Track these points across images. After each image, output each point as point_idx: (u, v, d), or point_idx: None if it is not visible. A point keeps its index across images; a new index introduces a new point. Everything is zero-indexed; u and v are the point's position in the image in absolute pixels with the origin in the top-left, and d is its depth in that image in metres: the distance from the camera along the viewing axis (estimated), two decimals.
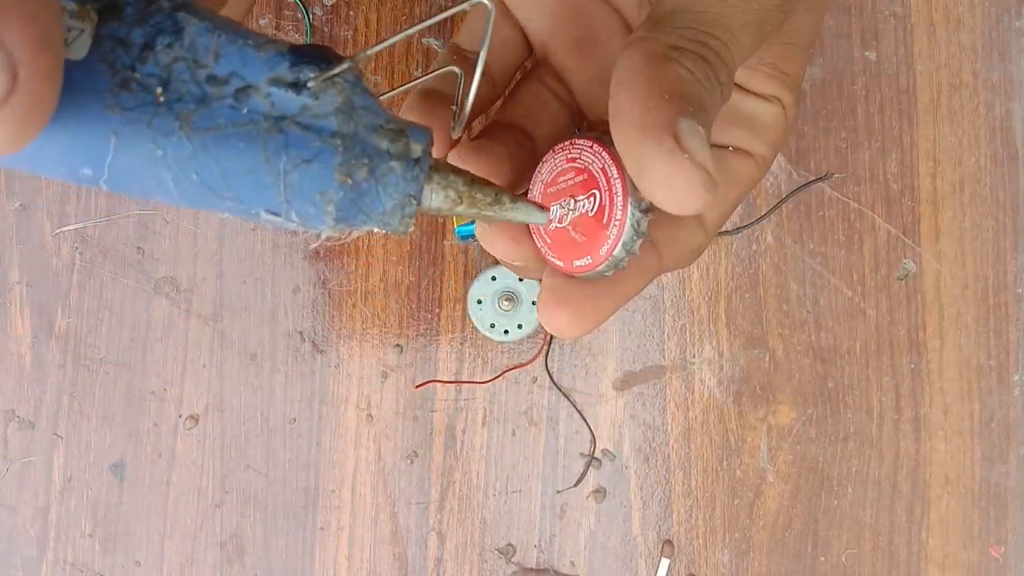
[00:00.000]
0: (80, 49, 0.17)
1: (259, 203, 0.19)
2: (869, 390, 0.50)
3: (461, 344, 0.51)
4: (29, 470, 0.53)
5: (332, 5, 0.52)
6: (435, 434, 0.52)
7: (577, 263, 0.23)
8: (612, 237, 0.22)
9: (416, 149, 0.20)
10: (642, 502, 0.51)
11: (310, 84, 0.19)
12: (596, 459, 0.51)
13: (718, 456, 0.51)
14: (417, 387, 0.52)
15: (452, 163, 0.21)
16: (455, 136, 0.24)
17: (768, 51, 0.25)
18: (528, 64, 0.30)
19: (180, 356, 0.53)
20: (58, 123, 0.17)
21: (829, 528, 0.50)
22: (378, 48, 0.21)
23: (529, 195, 0.25)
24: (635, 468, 0.51)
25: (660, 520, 0.51)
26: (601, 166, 0.23)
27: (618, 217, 0.22)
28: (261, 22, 0.52)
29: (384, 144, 0.19)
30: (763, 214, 0.50)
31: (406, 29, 0.21)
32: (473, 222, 0.48)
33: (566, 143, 0.24)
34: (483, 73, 0.25)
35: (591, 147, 0.23)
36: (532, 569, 0.51)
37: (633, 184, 0.22)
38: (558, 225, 0.24)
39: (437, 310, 0.51)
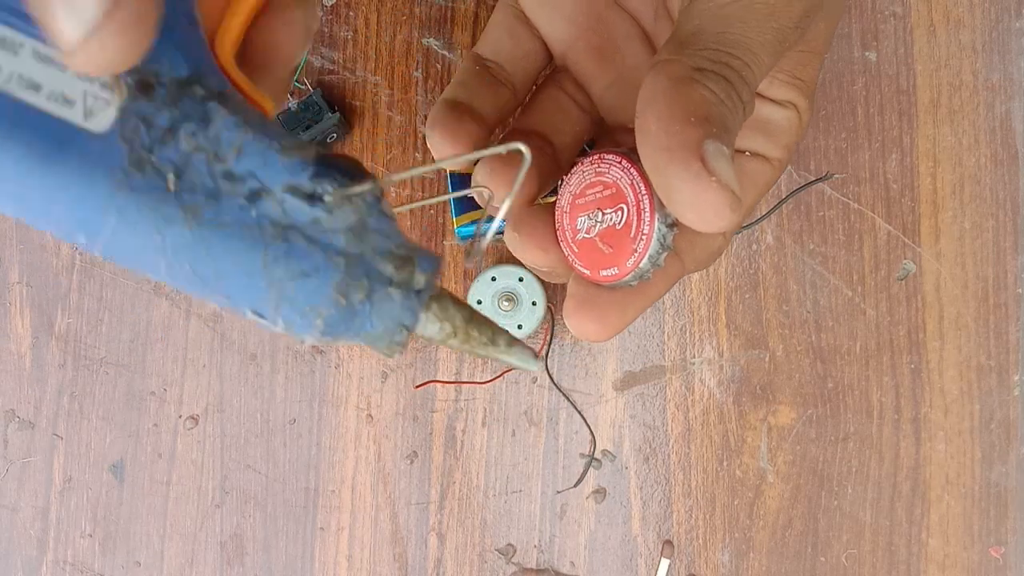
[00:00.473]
0: (103, 121, 0.17)
1: (248, 303, 0.18)
2: (869, 390, 0.50)
3: None
4: (29, 470, 0.53)
5: (332, 5, 0.52)
6: (435, 434, 0.52)
7: (604, 273, 0.24)
8: (639, 250, 0.23)
9: (420, 280, 0.19)
10: (642, 502, 0.51)
11: (327, 198, 0.18)
12: (596, 459, 0.51)
13: (718, 456, 0.51)
14: (417, 387, 0.52)
15: (455, 295, 0.21)
16: (483, 242, 0.24)
17: (786, 60, 0.25)
18: (547, 71, 0.30)
19: (180, 356, 0.53)
20: (62, 188, 0.17)
21: (829, 528, 0.50)
22: (405, 176, 0.21)
23: (556, 205, 0.26)
24: (635, 468, 0.51)
25: (660, 520, 0.51)
26: (630, 182, 0.24)
27: (645, 231, 0.23)
28: None
29: (388, 270, 0.19)
30: (763, 214, 0.50)
31: (435, 163, 0.22)
32: (474, 222, 0.48)
33: (594, 156, 0.25)
34: (504, 82, 0.26)
35: (620, 163, 0.24)
36: (532, 569, 0.51)
37: (660, 201, 0.22)
38: (586, 236, 0.25)
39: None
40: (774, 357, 0.51)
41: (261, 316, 0.18)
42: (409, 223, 0.52)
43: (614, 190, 0.24)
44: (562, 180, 0.27)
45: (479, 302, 0.48)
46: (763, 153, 0.26)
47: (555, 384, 0.51)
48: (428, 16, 0.51)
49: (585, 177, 0.25)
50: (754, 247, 0.51)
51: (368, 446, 0.52)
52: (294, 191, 0.18)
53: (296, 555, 0.52)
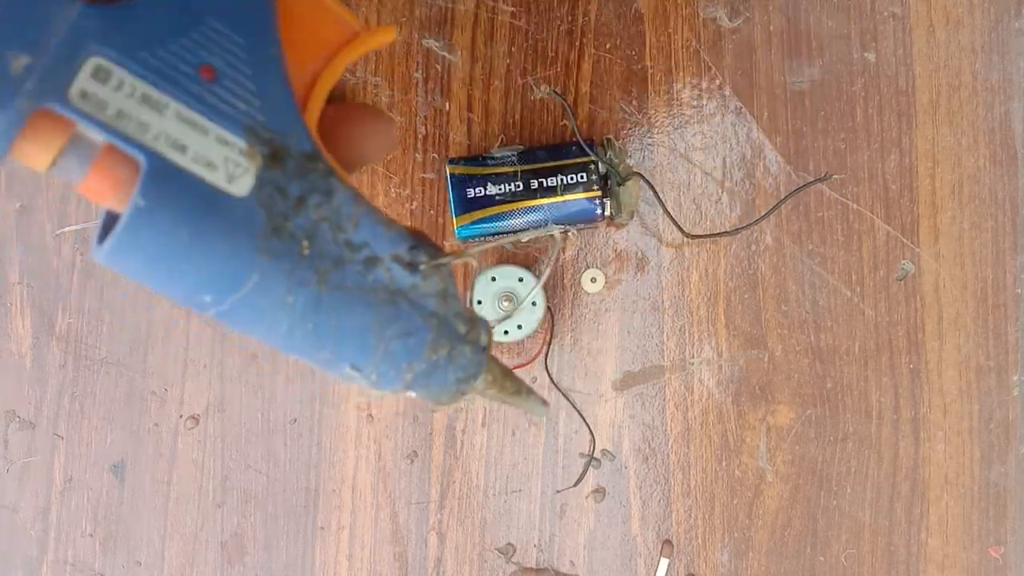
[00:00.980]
0: (243, 187, 0.18)
1: (351, 359, 0.20)
2: (868, 390, 0.50)
3: None
4: (30, 470, 0.53)
5: None
6: (435, 434, 0.52)
7: None
8: None
9: (484, 338, 0.22)
10: (641, 502, 0.51)
11: (422, 267, 0.21)
12: (595, 459, 0.51)
13: (717, 456, 0.51)
14: None
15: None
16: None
17: None
18: None
19: (181, 356, 0.53)
20: (204, 250, 0.18)
21: (828, 528, 0.50)
22: (483, 248, 0.25)
23: None
24: (634, 468, 0.51)
25: (659, 520, 0.51)
26: None
27: None
28: None
29: (462, 329, 0.22)
30: (762, 215, 0.50)
31: (491, 240, 0.24)
32: (474, 223, 0.48)
33: None
34: None
35: None
36: (532, 569, 0.51)
37: None
38: None
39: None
40: (773, 357, 0.51)
41: (359, 370, 0.20)
42: (409, 224, 0.52)
43: None
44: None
45: (479, 302, 0.48)
46: None
47: (555, 384, 0.51)
48: (428, 17, 0.51)
49: None
50: (753, 248, 0.51)
51: (368, 446, 0.52)
52: (398, 260, 0.20)
53: (297, 554, 0.52)
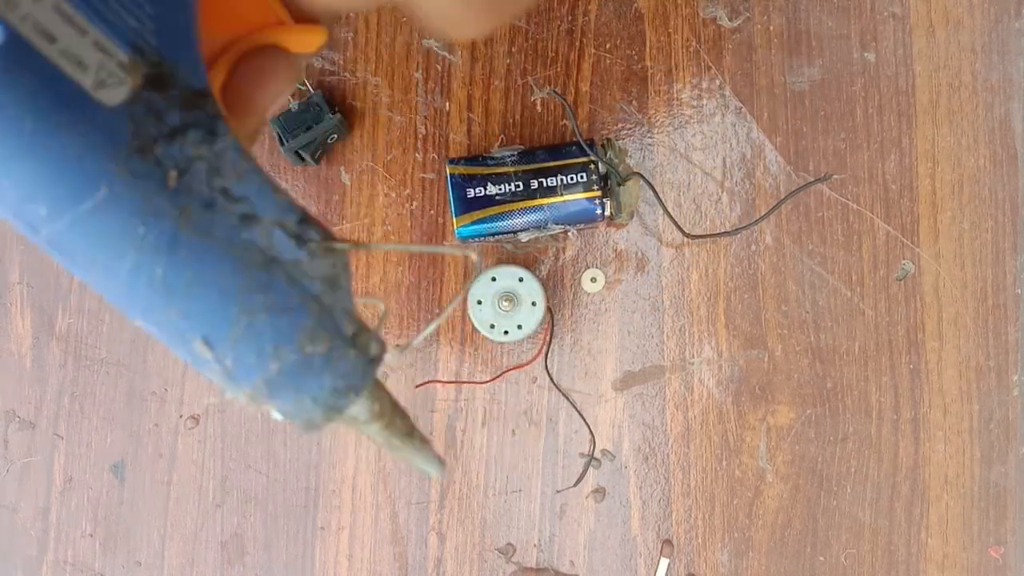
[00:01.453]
0: (113, 97, 0.17)
1: (204, 328, 0.18)
2: (868, 390, 0.50)
3: (461, 344, 0.51)
4: (30, 470, 0.53)
5: None
6: (435, 434, 0.52)
7: None
8: None
9: (374, 349, 0.20)
10: (641, 502, 0.51)
11: (311, 244, 0.19)
12: (595, 459, 0.51)
13: (717, 456, 0.51)
14: (417, 387, 0.52)
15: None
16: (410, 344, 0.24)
17: None
18: None
19: None
20: (49, 146, 0.16)
21: (828, 528, 0.50)
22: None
23: None
24: (634, 468, 0.51)
25: (659, 520, 0.51)
26: None
27: None
28: None
29: (349, 329, 0.19)
30: (762, 215, 0.50)
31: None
32: (474, 223, 0.48)
33: None
34: None
35: None
36: (532, 569, 0.51)
37: None
38: None
39: (437, 311, 0.51)
40: (773, 357, 0.51)
41: (211, 347, 0.18)
42: (409, 224, 0.52)
43: None
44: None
45: (479, 302, 0.48)
46: None
47: (555, 384, 0.51)
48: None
49: None
50: (753, 248, 0.51)
51: (368, 446, 0.52)
52: (283, 227, 0.18)
53: (296, 554, 0.52)
